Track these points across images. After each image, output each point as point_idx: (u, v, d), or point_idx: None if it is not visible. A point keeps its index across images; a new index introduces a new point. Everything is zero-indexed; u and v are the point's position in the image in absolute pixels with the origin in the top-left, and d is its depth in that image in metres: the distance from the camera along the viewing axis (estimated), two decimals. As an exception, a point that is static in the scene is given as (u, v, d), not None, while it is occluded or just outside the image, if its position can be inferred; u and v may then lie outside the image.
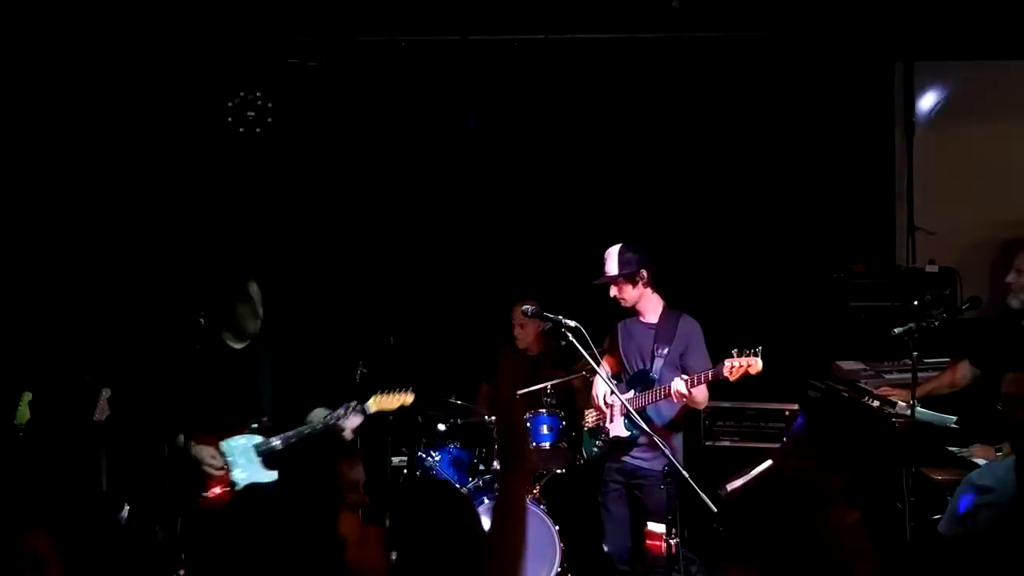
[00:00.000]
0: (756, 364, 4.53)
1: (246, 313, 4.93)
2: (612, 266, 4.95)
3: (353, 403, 5.04)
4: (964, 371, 4.85)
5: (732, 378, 4.60)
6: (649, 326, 5.04)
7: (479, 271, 6.85)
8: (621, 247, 4.96)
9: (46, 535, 2.77)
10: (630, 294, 4.98)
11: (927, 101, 6.62)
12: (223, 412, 4.86)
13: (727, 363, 4.59)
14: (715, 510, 4.13)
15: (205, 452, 4.81)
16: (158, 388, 4.94)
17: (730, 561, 5.61)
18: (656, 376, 4.92)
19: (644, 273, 4.95)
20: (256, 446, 4.88)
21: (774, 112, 6.68)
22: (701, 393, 4.87)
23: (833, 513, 2.60)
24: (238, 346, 4.99)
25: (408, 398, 5.23)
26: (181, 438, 4.79)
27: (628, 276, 4.93)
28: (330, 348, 6.19)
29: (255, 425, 4.90)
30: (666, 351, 4.94)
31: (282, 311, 6.39)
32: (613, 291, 4.99)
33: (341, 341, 6.31)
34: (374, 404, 5.13)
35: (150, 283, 6.40)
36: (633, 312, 5.07)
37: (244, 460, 4.85)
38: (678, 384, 4.70)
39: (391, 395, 5.22)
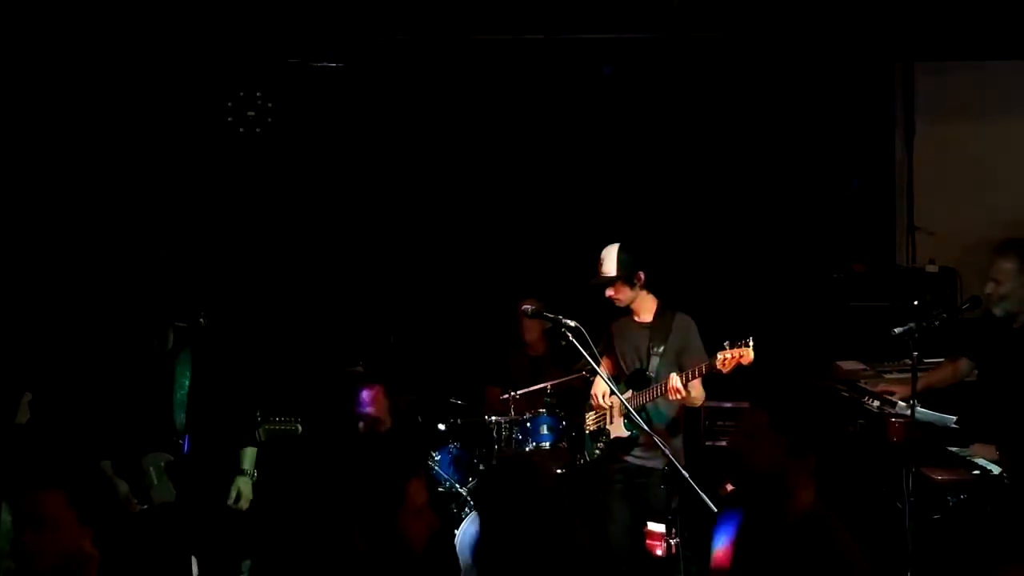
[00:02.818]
0: (748, 354, 4.52)
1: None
2: (610, 267, 4.93)
3: None
4: (963, 365, 4.85)
5: (725, 370, 4.58)
6: (644, 325, 5.03)
7: (480, 271, 6.86)
8: (618, 248, 4.95)
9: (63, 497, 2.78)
10: (627, 295, 4.97)
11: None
12: (142, 428, 4.61)
13: (719, 355, 4.59)
14: (715, 510, 4.12)
15: (123, 487, 4.57)
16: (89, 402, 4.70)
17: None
18: (652, 375, 4.92)
19: (641, 274, 4.95)
20: (167, 464, 4.61)
21: (774, 112, 6.68)
22: (697, 389, 4.86)
23: (800, 497, 2.64)
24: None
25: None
26: (107, 465, 4.57)
27: (626, 277, 4.92)
28: (306, 352, 6.19)
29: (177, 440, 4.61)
30: (662, 349, 4.93)
31: (278, 311, 6.43)
32: (609, 292, 4.98)
33: (341, 341, 6.33)
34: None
35: (150, 283, 6.38)
36: (628, 312, 5.07)
37: (157, 479, 4.60)
38: (674, 380, 4.70)
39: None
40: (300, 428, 4.94)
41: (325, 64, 6.38)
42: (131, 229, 6.49)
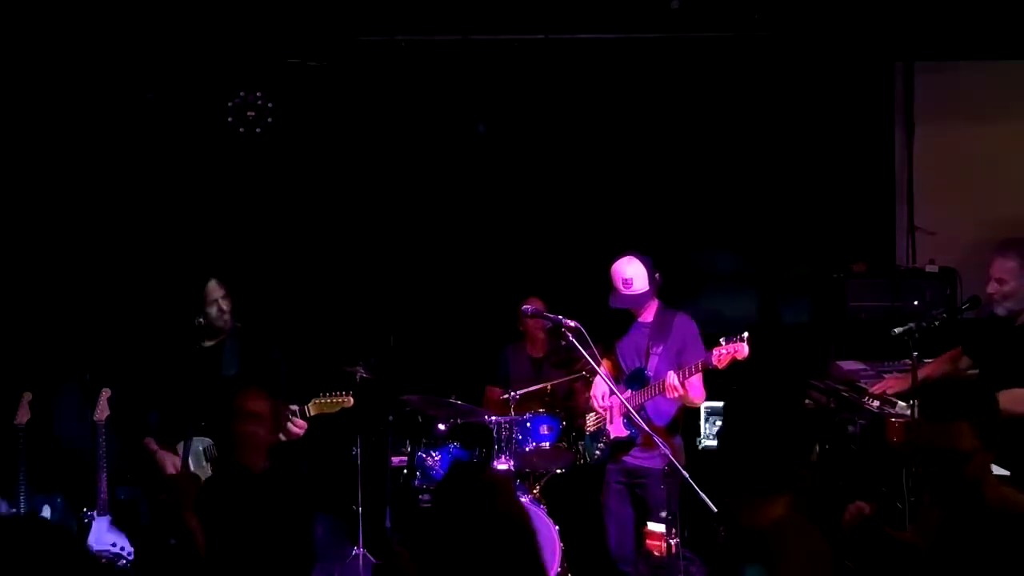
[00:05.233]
0: (742, 349, 4.51)
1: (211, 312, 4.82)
2: (642, 282, 4.89)
3: None
4: (962, 361, 4.84)
5: (721, 365, 4.57)
6: (645, 325, 5.03)
7: (480, 271, 6.85)
8: (639, 261, 4.89)
9: None
10: (648, 302, 4.98)
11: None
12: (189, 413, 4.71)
13: (714, 351, 4.58)
14: (715, 510, 4.12)
15: (168, 461, 4.68)
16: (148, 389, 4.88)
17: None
18: (651, 374, 4.92)
19: (658, 276, 4.95)
20: (206, 449, 4.69)
21: (774, 112, 6.68)
22: (695, 387, 4.85)
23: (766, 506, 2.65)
24: (209, 343, 4.86)
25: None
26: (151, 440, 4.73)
27: (655, 286, 4.92)
28: (324, 347, 6.19)
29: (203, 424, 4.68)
30: (661, 349, 4.93)
31: (278, 311, 6.42)
32: (645, 303, 4.98)
33: (342, 341, 6.32)
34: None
35: (149, 283, 6.40)
36: (629, 313, 5.06)
37: (196, 463, 4.69)
38: (671, 377, 4.69)
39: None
40: (352, 401, 5.00)
41: (320, 63, 6.38)
42: (131, 229, 6.51)
